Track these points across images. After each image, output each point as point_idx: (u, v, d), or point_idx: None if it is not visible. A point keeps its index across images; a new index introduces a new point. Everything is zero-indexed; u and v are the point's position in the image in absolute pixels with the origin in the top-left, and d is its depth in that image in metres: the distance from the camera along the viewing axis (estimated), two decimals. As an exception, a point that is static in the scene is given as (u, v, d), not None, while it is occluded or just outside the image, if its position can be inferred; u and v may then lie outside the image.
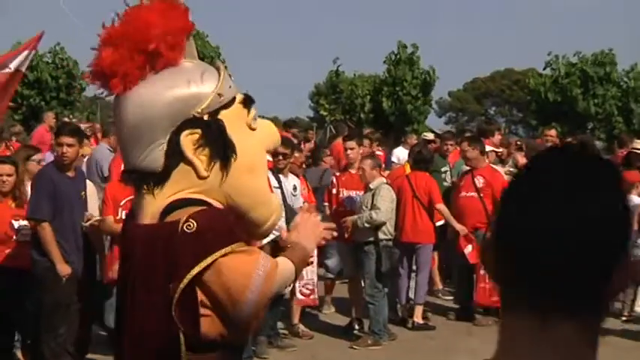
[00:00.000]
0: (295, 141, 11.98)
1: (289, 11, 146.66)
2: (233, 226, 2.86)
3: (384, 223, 8.76)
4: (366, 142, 11.27)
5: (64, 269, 6.71)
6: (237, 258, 2.80)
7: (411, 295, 9.76)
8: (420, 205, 9.47)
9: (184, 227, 2.74)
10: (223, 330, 2.84)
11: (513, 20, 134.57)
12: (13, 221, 7.03)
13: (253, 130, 3.05)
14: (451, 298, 10.92)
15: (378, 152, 11.95)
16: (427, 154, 10.27)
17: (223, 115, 2.95)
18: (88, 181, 7.45)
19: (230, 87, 3.01)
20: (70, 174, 6.93)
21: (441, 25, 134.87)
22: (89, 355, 7.53)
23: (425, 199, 9.48)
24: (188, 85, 2.91)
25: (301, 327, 9.09)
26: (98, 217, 7.27)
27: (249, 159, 2.99)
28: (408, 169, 10.25)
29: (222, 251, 2.76)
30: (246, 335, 2.88)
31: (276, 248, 6.26)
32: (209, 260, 2.75)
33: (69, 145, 6.80)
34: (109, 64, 2.85)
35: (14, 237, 7.01)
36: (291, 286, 8.49)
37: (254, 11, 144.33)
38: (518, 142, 12.64)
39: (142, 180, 2.89)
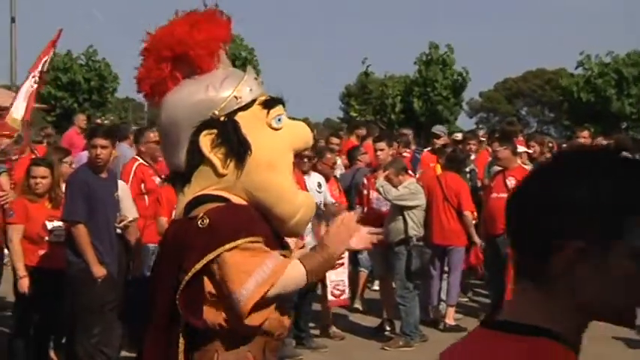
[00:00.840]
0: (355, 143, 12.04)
1: (321, 12, 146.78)
2: (247, 222, 3.01)
3: (398, 207, 8.74)
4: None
5: (98, 271, 6.71)
6: (241, 254, 2.94)
7: (443, 296, 9.73)
8: (450, 207, 9.42)
9: (199, 223, 2.93)
10: (227, 318, 2.98)
11: (545, 20, 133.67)
12: (47, 222, 7.09)
13: (276, 129, 3.16)
14: (478, 299, 10.90)
15: (405, 154, 11.90)
16: (461, 155, 10.21)
17: (240, 115, 3.10)
18: (120, 181, 7.50)
19: (250, 90, 3.15)
20: (103, 175, 6.97)
21: (471, 24, 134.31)
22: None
23: (455, 202, 9.42)
24: (207, 89, 3.08)
25: (333, 328, 9.10)
26: (132, 218, 7.30)
27: (267, 156, 3.11)
28: (438, 170, 10.21)
29: (227, 246, 2.91)
30: (247, 327, 2.99)
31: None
32: (212, 255, 2.91)
33: (102, 147, 6.84)
34: (140, 75, 3.10)
35: (47, 238, 7.07)
36: (322, 288, 8.56)
37: (286, 12, 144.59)
38: (550, 144, 12.52)
39: (175, 179, 3.12)
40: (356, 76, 42.78)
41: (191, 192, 3.05)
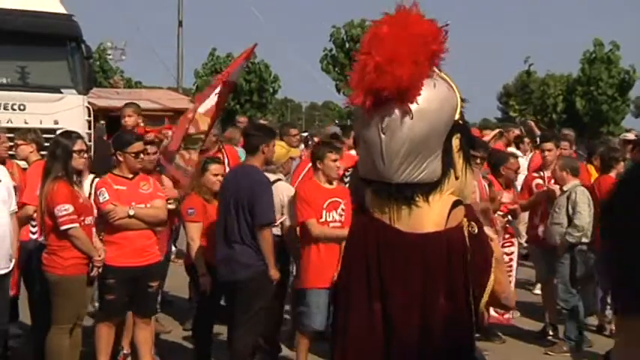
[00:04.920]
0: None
1: (479, 10, 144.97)
2: None
3: (584, 229, 8.46)
4: (564, 144, 10.89)
5: (275, 274, 6.78)
6: (497, 248, 2.98)
7: (610, 301, 9.41)
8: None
9: (470, 230, 2.89)
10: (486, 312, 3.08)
11: None
12: None
13: None
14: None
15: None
16: (618, 156, 9.80)
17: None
18: (287, 184, 7.67)
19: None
20: None
21: (638, 20, 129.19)
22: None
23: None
24: (450, 92, 2.96)
25: (494, 331, 8.96)
26: (282, 218, 7.37)
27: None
28: (593, 173, 9.87)
29: (494, 247, 2.93)
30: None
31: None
32: (494, 261, 2.91)
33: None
34: (409, 78, 2.81)
35: None
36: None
37: (442, 7, 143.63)
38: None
39: (416, 191, 2.93)
40: (514, 75, 42.13)
41: (436, 200, 2.94)
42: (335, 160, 7.27)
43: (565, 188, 8.61)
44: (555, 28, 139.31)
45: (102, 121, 17.60)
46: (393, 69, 2.79)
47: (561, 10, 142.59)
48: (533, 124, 16.85)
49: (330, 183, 7.29)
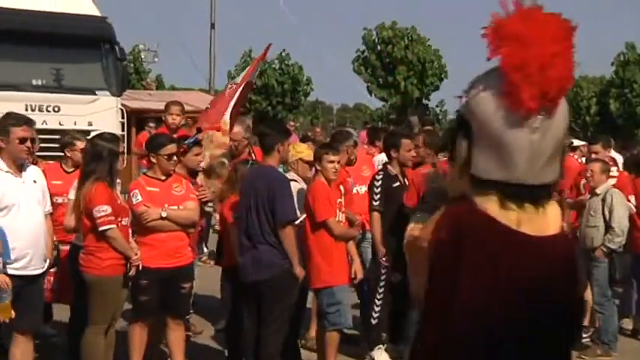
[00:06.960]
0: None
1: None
2: None
3: (624, 232, 8.40)
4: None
5: (301, 271, 6.73)
6: None
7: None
8: (643, 214, 9.07)
9: (569, 237, 2.84)
10: None
11: None
12: None
13: None
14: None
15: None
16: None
17: None
18: (294, 182, 7.67)
19: None
20: None
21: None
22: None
23: (645, 208, 9.06)
24: None
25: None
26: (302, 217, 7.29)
27: None
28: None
29: None
30: None
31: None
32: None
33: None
34: (559, 79, 2.66)
35: None
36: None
37: (475, 10, 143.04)
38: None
39: (547, 192, 2.83)
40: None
41: (551, 202, 2.83)
42: (332, 162, 7.28)
43: (598, 191, 8.53)
44: (588, 30, 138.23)
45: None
46: (560, 69, 2.65)
47: (594, 12, 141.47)
48: None
49: (329, 184, 7.31)
